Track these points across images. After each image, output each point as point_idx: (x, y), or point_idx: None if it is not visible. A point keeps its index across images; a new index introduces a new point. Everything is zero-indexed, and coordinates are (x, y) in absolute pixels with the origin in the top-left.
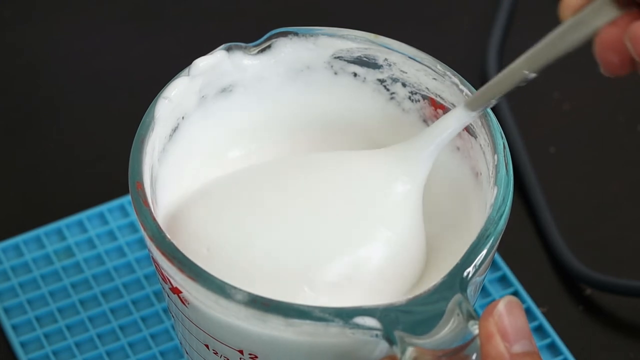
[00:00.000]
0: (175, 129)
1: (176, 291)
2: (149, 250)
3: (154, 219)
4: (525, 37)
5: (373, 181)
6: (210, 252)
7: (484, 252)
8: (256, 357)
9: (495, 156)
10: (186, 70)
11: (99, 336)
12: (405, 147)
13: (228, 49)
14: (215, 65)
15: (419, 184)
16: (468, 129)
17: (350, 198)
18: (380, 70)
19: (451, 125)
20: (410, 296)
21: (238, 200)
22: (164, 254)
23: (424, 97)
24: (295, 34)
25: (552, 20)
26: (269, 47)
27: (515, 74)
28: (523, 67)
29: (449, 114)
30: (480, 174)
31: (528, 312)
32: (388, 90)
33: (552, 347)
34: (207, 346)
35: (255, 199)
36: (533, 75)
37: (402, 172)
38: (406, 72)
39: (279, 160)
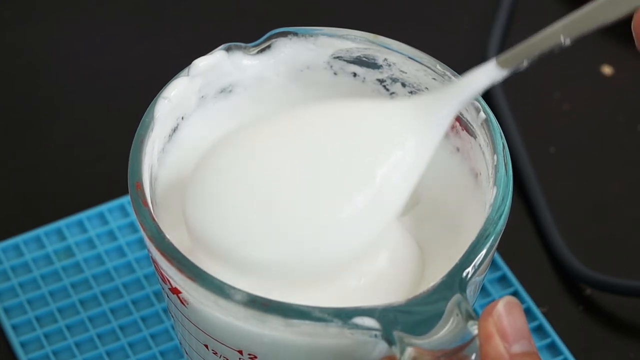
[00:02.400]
0: (174, 129)
1: (175, 291)
2: (148, 250)
3: (154, 219)
4: (525, 37)
5: (386, 133)
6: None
7: (484, 252)
8: (255, 357)
9: (495, 156)
10: (186, 70)
11: (99, 336)
12: (428, 98)
13: (228, 49)
14: (214, 65)
15: (437, 138)
16: (467, 129)
17: (359, 152)
18: (380, 70)
19: (480, 80)
20: (410, 296)
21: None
22: (163, 254)
23: None
24: (295, 34)
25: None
26: (268, 47)
27: (551, 38)
28: (560, 32)
29: (478, 69)
30: (480, 174)
31: (528, 312)
32: (388, 90)
33: (552, 347)
34: (206, 346)
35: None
36: (568, 42)
37: (421, 124)
38: (406, 72)
39: (280, 117)
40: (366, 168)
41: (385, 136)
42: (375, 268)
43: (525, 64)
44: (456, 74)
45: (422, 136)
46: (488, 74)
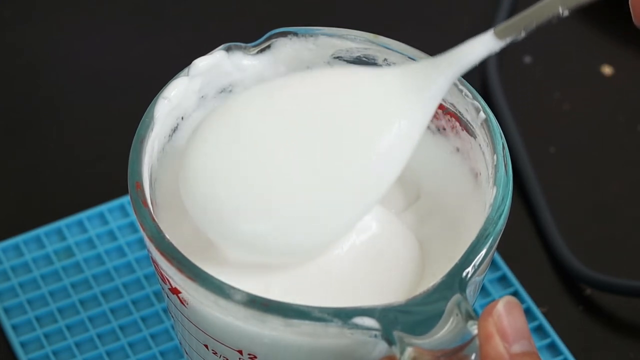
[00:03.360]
0: (174, 129)
1: (175, 291)
2: (148, 250)
3: (153, 219)
4: (526, 37)
5: (379, 103)
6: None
7: (483, 252)
8: (255, 357)
9: (495, 156)
10: (186, 70)
11: (99, 336)
12: (422, 67)
13: (228, 49)
14: (214, 65)
15: (431, 108)
16: (467, 129)
17: (352, 122)
18: None
19: (477, 50)
20: (410, 296)
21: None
22: (163, 254)
23: None
24: (295, 34)
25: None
26: (268, 47)
27: (550, 8)
28: (558, 2)
29: (475, 39)
30: (480, 174)
31: (528, 312)
32: None
33: (552, 347)
34: (206, 346)
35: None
36: (566, 12)
37: (414, 92)
38: None
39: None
40: (359, 138)
41: (378, 106)
42: (376, 268)
43: (522, 34)
44: None
45: (415, 104)
46: (485, 44)
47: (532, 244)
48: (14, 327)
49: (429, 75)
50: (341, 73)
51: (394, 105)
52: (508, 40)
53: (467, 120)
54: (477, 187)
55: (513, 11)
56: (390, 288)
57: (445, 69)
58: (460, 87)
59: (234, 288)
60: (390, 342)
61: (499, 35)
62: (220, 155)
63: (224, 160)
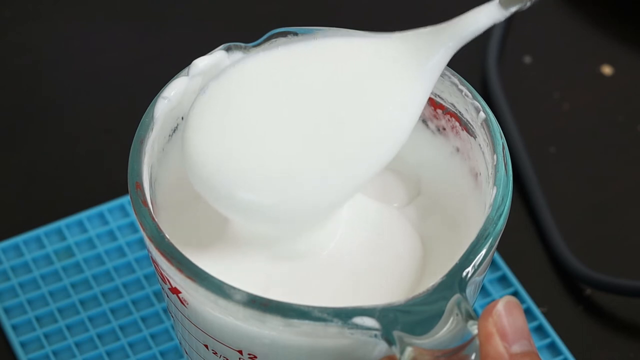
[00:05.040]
0: (174, 129)
1: (175, 291)
2: (148, 250)
3: (153, 219)
4: (525, 37)
5: (381, 71)
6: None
7: (483, 252)
8: (255, 357)
9: (495, 156)
10: (185, 70)
11: (99, 336)
12: (425, 36)
13: (227, 49)
14: (214, 65)
15: (431, 79)
16: (467, 129)
17: (356, 89)
18: None
19: (480, 20)
20: (409, 296)
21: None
22: (163, 254)
23: None
24: (295, 34)
25: (552, 20)
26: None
27: None
28: None
29: (479, 9)
30: (480, 174)
31: (528, 312)
32: None
33: (552, 347)
34: (206, 346)
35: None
36: None
37: (416, 62)
38: None
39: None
40: (358, 106)
41: (378, 75)
42: (378, 267)
43: (528, 4)
44: (456, 73)
45: (414, 73)
46: (489, 14)
47: (532, 244)
48: (14, 327)
49: (430, 45)
50: (341, 41)
51: (393, 74)
52: (513, 9)
53: (467, 120)
54: (477, 187)
55: (514, 13)
56: (391, 287)
57: (447, 40)
58: (460, 87)
59: (234, 288)
60: (390, 342)
61: (503, 5)
62: (221, 123)
63: (224, 129)
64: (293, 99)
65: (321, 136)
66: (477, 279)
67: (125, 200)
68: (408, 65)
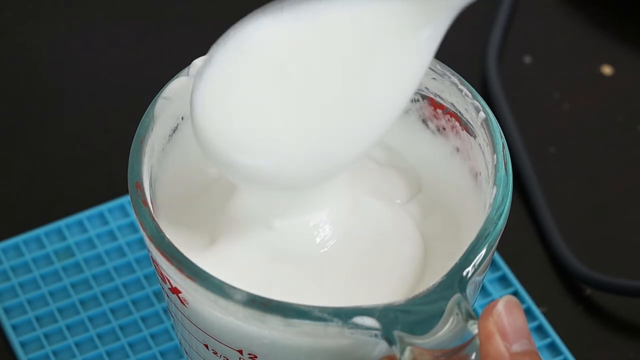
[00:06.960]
0: (174, 129)
1: (175, 291)
2: (148, 250)
3: (153, 219)
4: (526, 37)
5: (385, 33)
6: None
7: (483, 251)
8: (255, 357)
9: (495, 156)
10: (185, 70)
11: (99, 336)
12: (419, 4)
13: None
14: None
15: (429, 50)
16: (467, 129)
17: (360, 52)
18: None
19: None
20: (410, 296)
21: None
22: (163, 254)
23: (423, 97)
24: None
25: (552, 20)
26: None
27: None
28: None
29: None
30: (480, 174)
31: (528, 312)
32: None
33: (552, 347)
34: (206, 346)
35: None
36: None
37: (422, 22)
38: None
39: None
40: (358, 75)
41: (376, 44)
42: (378, 267)
43: None
44: (456, 73)
45: (411, 43)
46: None
47: (532, 244)
48: (14, 327)
49: (426, 14)
50: (341, 8)
51: (391, 43)
52: None
53: (467, 120)
54: (477, 187)
55: (513, 12)
56: (391, 286)
57: (443, 8)
58: (460, 86)
59: (234, 288)
60: (390, 341)
61: None
62: (228, 86)
63: (231, 91)
64: (294, 67)
65: (325, 99)
66: (477, 278)
67: (125, 200)
68: (404, 35)
